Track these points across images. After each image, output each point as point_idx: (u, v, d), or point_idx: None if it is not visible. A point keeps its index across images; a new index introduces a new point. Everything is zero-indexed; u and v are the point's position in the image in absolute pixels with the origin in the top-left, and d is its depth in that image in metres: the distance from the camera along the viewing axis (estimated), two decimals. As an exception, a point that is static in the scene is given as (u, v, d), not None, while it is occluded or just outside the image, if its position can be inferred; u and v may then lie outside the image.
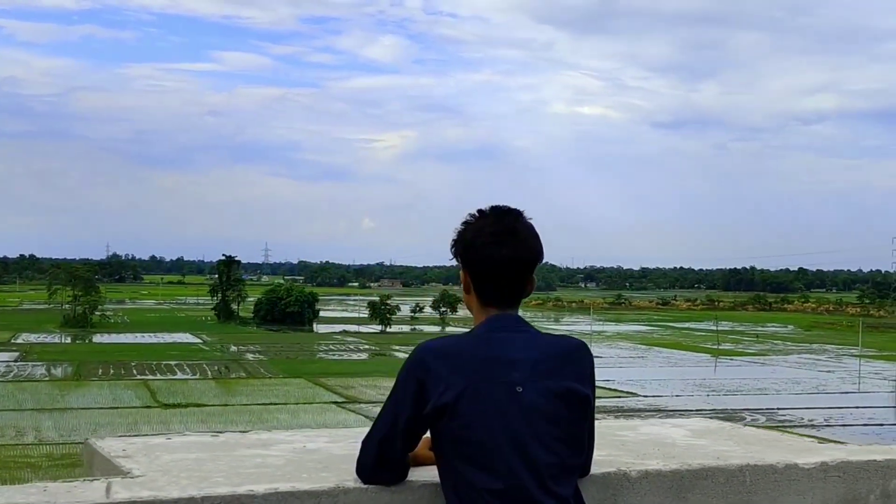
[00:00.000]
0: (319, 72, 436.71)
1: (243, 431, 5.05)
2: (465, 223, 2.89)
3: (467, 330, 2.97)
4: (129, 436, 5.21)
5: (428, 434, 2.86)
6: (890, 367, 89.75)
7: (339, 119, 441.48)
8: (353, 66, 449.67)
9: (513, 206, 2.93)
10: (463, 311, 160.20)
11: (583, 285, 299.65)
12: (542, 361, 2.77)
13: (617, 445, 4.04)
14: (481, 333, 2.83)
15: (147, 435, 5.17)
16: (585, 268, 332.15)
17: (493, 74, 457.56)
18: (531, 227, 2.89)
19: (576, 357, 2.86)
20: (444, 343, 2.81)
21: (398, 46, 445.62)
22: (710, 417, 6.74)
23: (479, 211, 2.89)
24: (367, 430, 2.93)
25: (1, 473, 41.71)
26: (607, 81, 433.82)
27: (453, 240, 2.90)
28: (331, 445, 3.68)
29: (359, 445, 2.94)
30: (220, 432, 4.91)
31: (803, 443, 5.04)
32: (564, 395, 2.78)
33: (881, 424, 62.45)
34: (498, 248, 2.81)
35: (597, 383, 2.92)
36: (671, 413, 59.58)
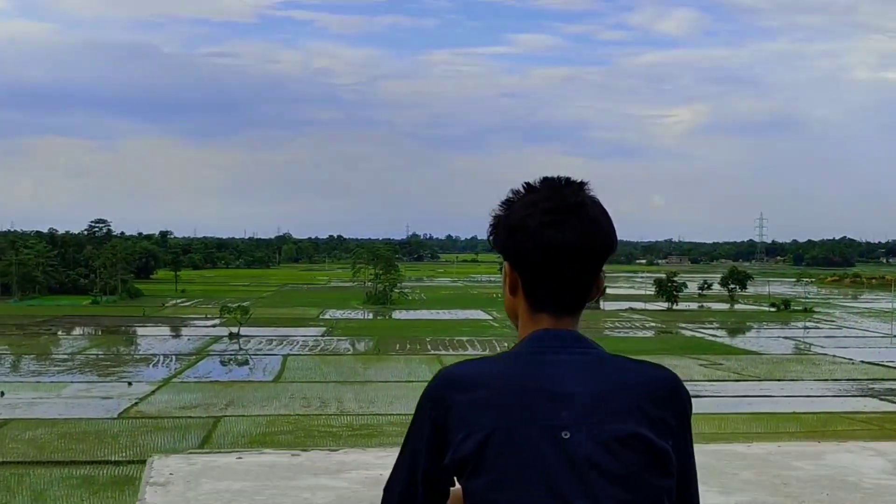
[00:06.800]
0: (610, 49, 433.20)
1: (332, 449, 4.84)
2: (508, 200, 2.07)
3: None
4: (199, 453, 4.93)
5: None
6: None
7: (629, 95, 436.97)
8: (644, 41, 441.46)
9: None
10: (754, 287, 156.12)
11: (884, 260, 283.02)
12: (605, 397, 1.93)
13: (774, 487, 3.09)
14: (521, 355, 2.01)
15: (218, 452, 4.90)
16: (887, 241, 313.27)
17: (790, 42, 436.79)
18: (600, 204, 2.04)
19: (659, 396, 1.97)
20: (470, 369, 2.02)
21: (690, 19, 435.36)
22: None
23: (527, 184, 2.06)
24: None
25: (304, 441, 45.50)
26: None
27: (491, 223, 2.09)
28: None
29: None
30: (305, 450, 4.65)
31: None
32: (632, 443, 1.91)
33: None
34: (558, 232, 1.98)
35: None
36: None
